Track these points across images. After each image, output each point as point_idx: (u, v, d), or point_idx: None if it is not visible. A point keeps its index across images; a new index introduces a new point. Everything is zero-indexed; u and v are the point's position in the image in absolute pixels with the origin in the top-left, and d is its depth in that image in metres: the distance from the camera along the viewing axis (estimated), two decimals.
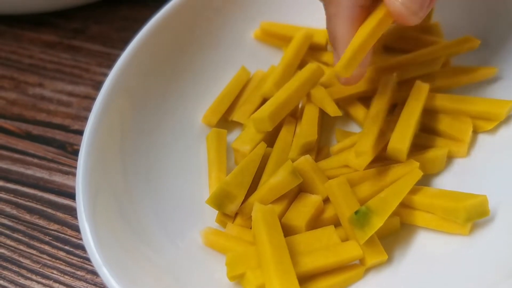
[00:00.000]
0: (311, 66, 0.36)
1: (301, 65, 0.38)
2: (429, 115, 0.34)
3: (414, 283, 0.29)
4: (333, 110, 0.34)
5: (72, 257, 0.35)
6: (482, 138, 0.34)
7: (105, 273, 0.27)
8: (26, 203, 0.38)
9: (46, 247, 0.36)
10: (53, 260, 0.35)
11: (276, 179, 0.31)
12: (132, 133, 0.35)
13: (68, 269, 0.35)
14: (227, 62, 0.40)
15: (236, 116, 0.37)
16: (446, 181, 0.33)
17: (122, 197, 0.32)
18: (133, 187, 0.33)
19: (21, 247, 0.36)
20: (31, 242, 0.36)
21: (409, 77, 0.36)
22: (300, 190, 0.32)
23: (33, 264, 0.35)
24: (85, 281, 0.34)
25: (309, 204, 0.31)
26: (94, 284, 0.34)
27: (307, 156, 0.32)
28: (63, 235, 0.36)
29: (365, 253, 0.29)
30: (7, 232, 0.37)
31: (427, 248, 0.30)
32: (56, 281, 0.34)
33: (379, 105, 0.34)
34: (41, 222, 0.37)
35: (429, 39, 0.38)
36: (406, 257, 0.30)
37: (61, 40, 0.49)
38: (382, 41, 0.39)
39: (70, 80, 0.46)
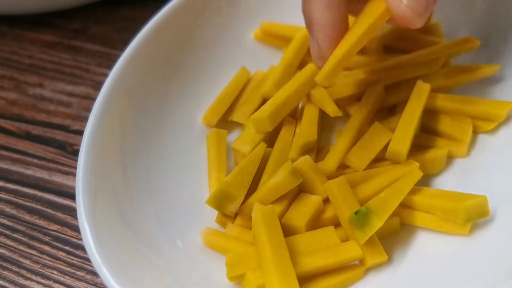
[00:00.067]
0: (311, 67, 0.36)
1: (301, 66, 0.38)
2: (429, 115, 0.34)
3: (414, 283, 0.29)
4: (333, 110, 0.34)
5: (72, 257, 0.35)
6: (482, 139, 0.34)
7: (105, 274, 0.27)
8: (26, 203, 0.38)
9: (46, 248, 0.36)
10: (53, 260, 0.35)
11: (276, 180, 0.31)
12: (132, 133, 0.35)
13: (68, 269, 0.35)
14: (227, 63, 0.40)
15: (236, 117, 0.37)
16: (446, 182, 0.33)
17: (122, 197, 0.32)
18: (133, 187, 0.33)
19: (21, 247, 0.36)
20: (31, 242, 0.36)
21: (409, 77, 0.36)
22: (300, 191, 0.32)
23: (33, 265, 0.35)
24: (85, 281, 0.34)
25: (309, 204, 0.31)
26: (94, 285, 0.34)
27: (307, 156, 0.32)
28: (63, 235, 0.36)
29: (365, 254, 0.29)
30: (7, 232, 0.37)
31: (427, 248, 0.30)
32: (56, 281, 0.34)
33: (358, 117, 0.34)
34: (41, 222, 0.37)
35: (429, 39, 0.38)
36: (406, 258, 0.30)
37: (61, 40, 0.49)
38: (382, 41, 0.39)
39: (70, 80, 0.46)
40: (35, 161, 0.40)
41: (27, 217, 0.37)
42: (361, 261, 0.30)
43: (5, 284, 0.34)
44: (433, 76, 0.36)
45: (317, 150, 0.35)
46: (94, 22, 0.50)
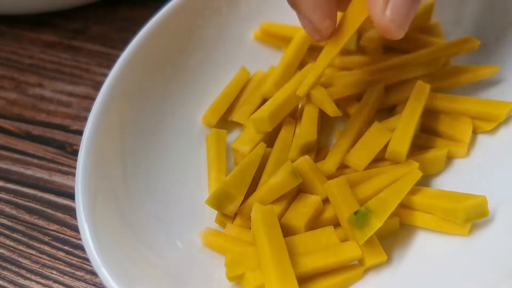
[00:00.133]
0: (311, 67, 0.36)
1: (301, 66, 0.38)
2: (429, 115, 0.34)
3: (414, 283, 0.29)
4: (332, 110, 0.34)
5: (71, 257, 0.35)
6: (481, 139, 0.34)
7: (104, 274, 0.27)
8: (26, 203, 0.38)
9: (46, 247, 0.36)
10: (53, 260, 0.35)
11: (276, 180, 0.31)
12: (131, 133, 0.35)
13: (68, 269, 0.35)
14: (227, 63, 0.40)
15: (235, 117, 0.37)
16: (446, 182, 0.33)
17: (122, 197, 0.32)
18: (133, 187, 0.33)
19: (21, 247, 0.36)
20: (31, 242, 0.36)
21: (409, 77, 0.36)
22: (299, 191, 0.32)
23: (32, 264, 0.35)
24: (85, 281, 0.34)
25: (308, 204, 0.31)
26: (94, 284, 0.34)
27: (307, 156, 0.32)
28: (62, 235, 0.36)
29: (364, 254, 0.29)
30: (7, 232, 0.37)
31: (427, 248, 0.30)
32: (55, 281, 0.34)
33: (358, 117, 0.34)
34: (41, 222, 0.37)
35: (429, 39, 0.38)
36: (405, 258, 0.30)
37: (61, 40, 0.49)
38: (382, 41, 0.39)
39: (70, 80, 0.46)
40: (35, 161, 0.40)
41: (26, 217, 0.37)
42: (361, 261, 0.30)
43: (5, 284, 0.34)
44: (433, 76, 0.36)
45: (317, 150, 0.35)
46: (94, 22, 0.50)
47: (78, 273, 0.34)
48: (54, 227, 0.37)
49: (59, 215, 0.37)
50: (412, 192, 0.31)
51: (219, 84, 0.39)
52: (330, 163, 0.32)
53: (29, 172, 0.40)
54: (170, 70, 0.38)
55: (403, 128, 0.32)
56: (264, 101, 0.36)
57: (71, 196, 0.38)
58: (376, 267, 0.30)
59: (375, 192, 0.31)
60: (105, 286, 0.27)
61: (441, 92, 0.35)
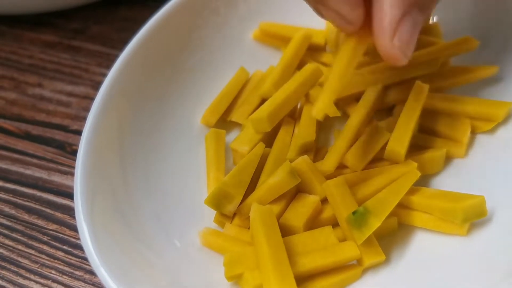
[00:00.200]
0: (310, 67, 0.36)
1: (300, 66, 0.38)
2: (427, 115, 0.34)
3: (412, 283, 0.29)
4: (331, 110, 0.34)
5: (70, 257, 0.35)
6: (480, 139, 0.34)
7: (102, 273, 0.27)
8: (25, 203, 0.38)
9: (45, 247, 0.36)
10: (52, 260, 0.35)
11: (274, 180, 0.31)
12: (130, 133, 0.35)
13: (67, 269, 0.35)
14: (226, 63, 0.40)
15: (234, 117, 0.37)
16: (444, 182, 0.33)
17: (120, 197, 0.32)
18: (131, 187, 0.33)
19: (20, 247, 0.36)
20: (30, 242, 0.36)
21: (408, 78, 0.36)
22: (298, 191, 0.32)
23: (31, 264, 0.35)
24: (84, 281, 0.34)
25: (307, 204, 0.31)
26: (93, 284, 0.34)
27: (305, 156, 0.32)
28: (61, 235, 0.36)
29: (363, 254, 0.29)
30: (6, 232, 0.37)
31: (425, 248, 0.30)
32: (54, 281, 0.34)
33: (356, 117, 0.34)
34: (40, 222, 0.37)
35: (428, 39, 0.38)
36: (403, 258, 0.30)
37: (61, 40, 0.49)
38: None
39: (69, 80, 0.46)
40: (35, 161, 0.40)
41: (26, 216, 0.37)
42: (359, 261, 0.30)
43: (4, 283, 0.34)
44: (432, 77, 0.36)
45: (316, 150, 0.35)
46: (94, 22, 0.50)
47: (77, 272, 0.34)
48: (53, 226, 0.37)
49: (58, 214, 0.37)
50: (411, 192, 0.31)
51: (218, 84, 0.39)
52: (328, 163, 0.32)
53: (28, 172, 0.40)
54: (169, 70, 0.38)
55: (401, 128, 0.32)
56: (263, 101, 0.36)
57: (70, 196, 0.38)
58: (375, 267, 0.30)
59: (374, 192, 0.31)
60: (104, 286, 0.27)
61: (440, 92, 0.35)
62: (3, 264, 0.35)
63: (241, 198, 0.31)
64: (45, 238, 0.36)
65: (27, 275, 0.35)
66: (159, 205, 0.33)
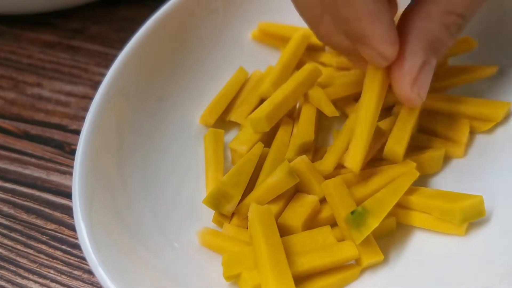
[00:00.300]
0: (308, 67, 0.36)
1: (298, 66, 0.38)
2: (426, 115, 0.34)
3: (410, 283, 0.29)
4: (330, 110, 0.34)
5: (69, 256, 0.35)
6: (479, 139, 0.34)
7: (100, 273, 0.27)
8: (24, 203, 0.38)
9: (43, 247, 0.36)
10: (50, 259, 0.35)
11: (273, 179, 0.31)
12: (129, 133, 0.35)
13: (65, 268, 0.35)
14: (225, 63, 0.40)
15: (233, 117, 0.37)
16: (443, 182, 0.33)
17: (119, 197, 0.32)
18: (130, 187, 0.33)
19: (18, 246, 0.36)
20: (28, 241, 0.36)
21: None
22: (296, 190, 0.32)
23: (30, 264, 0.35)
24: (82, 280, 0.34)
25: (305, 204, 0.31)
26: (91, 284, 0.34)
27: (304, 156, 0.32)
28: (60, 234, 0.36)
29: (361, 253, 0.29)
30: (5, 231, 0.37)
31: (423, 248, 0.30)
32: (53, 280, 0.34)
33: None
34: (38, 221, 0.37)
35: None
36: (402, 257, 0.30)
37: (60, 40, 0.49)
38: None
39: (68, 80, 0.46)
40: (33, 160, 0.40)
41: (24, 216, 0.37)
42: (357, 261, 0.30)
43: (2, 283, 0.34)
44: None
45: (314, 150, 0.35)
46: (93, 22, 0.50)
47: (75, 272, 0.34)
48: (52, 226, 0.37)
49: (57, 214, 0.37)
50: (409, 192, 0.31)
51: (217, 84, 0.39)
52: (327, 163, 0.32)
53: (27, 171, 0.40)
54: (168, 69, 0.38)
55: (400, 128, 0.32)
56: (262, 101, 0.36)
57: (69, 195, 0.38)
58: (373, 267, 0.30)
59: (372, 192, 0.31)
60: (102, 286, 0.27)
61: (439, 92, 0.35)
62: (1, 263, 0.35)
63: (240, 198, 0.31)
64: (43, 238, 0.36)
65: (26, 274, 0.35)
66: (158, 205, 0.33)
